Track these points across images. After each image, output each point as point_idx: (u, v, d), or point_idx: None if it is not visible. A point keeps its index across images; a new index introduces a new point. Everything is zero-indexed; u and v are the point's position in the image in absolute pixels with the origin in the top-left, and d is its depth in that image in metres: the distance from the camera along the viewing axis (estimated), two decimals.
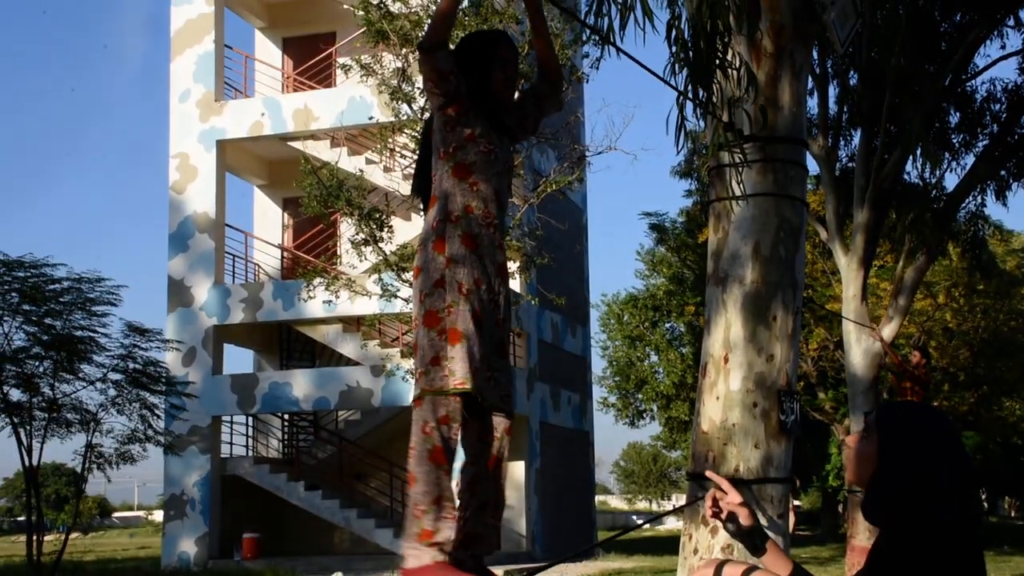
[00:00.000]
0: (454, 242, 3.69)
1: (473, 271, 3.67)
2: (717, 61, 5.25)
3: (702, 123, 5.82)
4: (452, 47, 3.86)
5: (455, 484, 3.71)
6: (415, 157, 19.67)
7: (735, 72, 5.39)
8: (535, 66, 4.22)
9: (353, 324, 23.61)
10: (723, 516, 2.88)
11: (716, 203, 5.36)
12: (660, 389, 34.52)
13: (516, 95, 4.08)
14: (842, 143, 16.01)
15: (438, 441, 3.55)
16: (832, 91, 15.48)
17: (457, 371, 3.58)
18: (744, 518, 2.83)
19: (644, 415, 36.71)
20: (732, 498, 2.86)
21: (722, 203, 5.32)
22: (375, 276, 18.55)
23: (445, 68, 3.74)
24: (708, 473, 3.05)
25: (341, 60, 20.37)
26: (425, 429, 3.58)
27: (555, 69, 4.06)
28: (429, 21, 4.00)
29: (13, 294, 15.70)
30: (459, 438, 3.60)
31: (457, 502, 3.66)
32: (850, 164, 15.76)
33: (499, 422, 3.75)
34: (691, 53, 5.22)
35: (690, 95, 5.22)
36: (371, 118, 21.06)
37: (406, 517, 3.61)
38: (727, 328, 5.12)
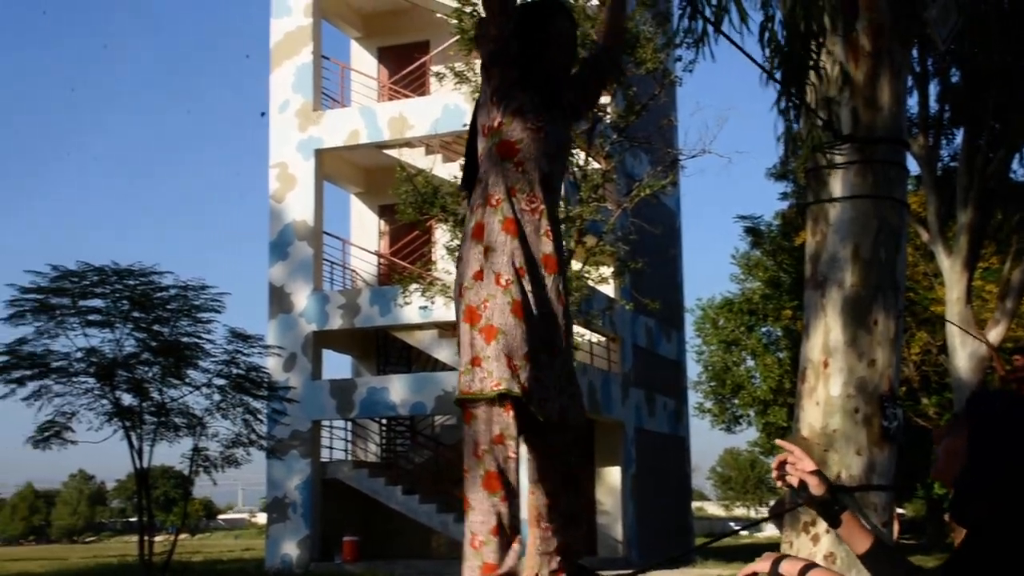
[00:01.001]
0: (493, 228, 3.31)
1: (514, 260, 3.28)
2: (812, 62, 5.20)
3: (798, 124, 5.76)
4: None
5: (526, 506, 3.42)
6: None
7: (831, 72, 5.33)
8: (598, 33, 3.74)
9: (449, 329, 23.80)
10: (794, 483, 2.66)
11: (813, 205, 5.31)
12: (757, 394, 34.07)
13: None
14: (943, 142, 15.64)
15: (492, 465, 3.22)
16: (933, 89, 15.14)
17: (494, 371, 3.19)
18: (815, 487, 2.58)
19: (741, 420, 36.29)
20: (804, 465, 2.62)
21: (819, 205, 5.26)
22: None
23: (508, 6, 3.35)
24: (778, 441, 2.84)
25: (435, 68, 20.59)
26: (477, 452, 3.24)
27: (622, 40, 3.76)
28: None
29: (124, 301, 16.19)
30: (517, 457, 3.23)
31: (537, 521, 3.40)
32: (952, 163, 15.40)
33: (562, 432, 3.37)
34: (786, 54, 5.18)
35: (787, 96, 5.18)
36: (465, 125, 21.20)
37: (464, 547, 3.28)
38: (826, 332, 5.06)
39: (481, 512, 3.23)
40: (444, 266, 21.48)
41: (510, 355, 3.19)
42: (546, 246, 3.37)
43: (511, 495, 3.24)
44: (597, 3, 18.03)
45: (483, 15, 3.40)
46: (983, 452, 2.18)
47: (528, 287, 3.30)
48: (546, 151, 3.40)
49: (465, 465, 3.30)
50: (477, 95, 15.68)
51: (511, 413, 3.20)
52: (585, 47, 16.33)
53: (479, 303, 3.26)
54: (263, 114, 24.89)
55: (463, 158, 3.69)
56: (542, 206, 3.37)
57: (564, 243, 15.17)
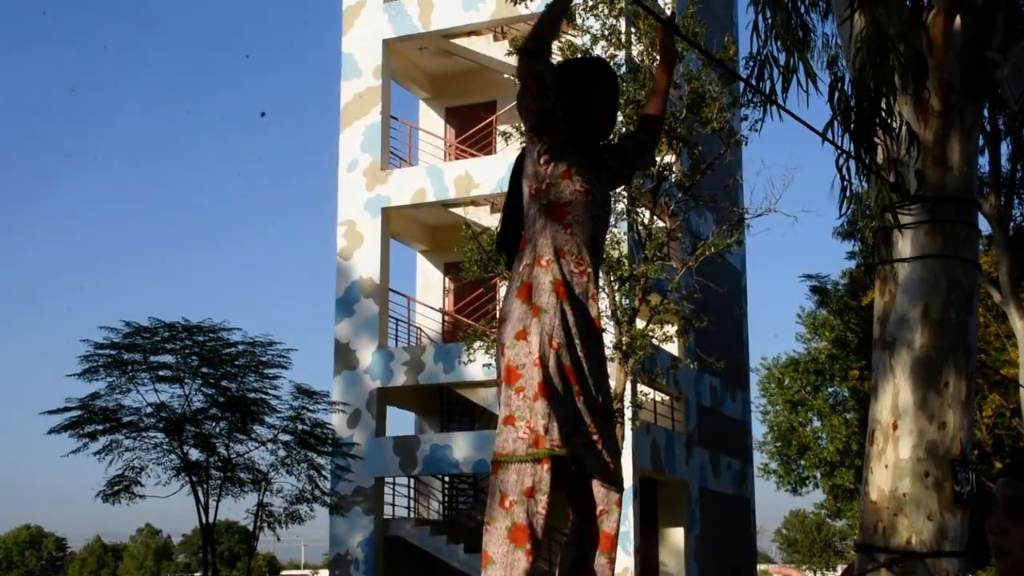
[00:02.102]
0: (543, 289, 3.24)
1: (564, 322, 3.22)
2: (881, 121, 5.19)
3: (866, 184, 5.74)
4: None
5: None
6: None
7: (900, 132, 5.31)
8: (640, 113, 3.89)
9: None
10: None
11: (882, 265, 5.26)
12: (823, 455, 33.47)
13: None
14: (1016, 201, 15.42)
15: (520, 517, 3.07)
16: (1004, 148, 14.97)
17: (540, 430, 3.11)
18: None
19: (807, 482, 35.63)
20: None
21: (888, 265, 5.22)
22: None
23: (546, 77, 3.30)
24: (772, 569, 2.57)
25: (501, 128, 20.80)
26: (504, 503, 3.10)
27: (661, 121, 3.75)
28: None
29: (194, 357, 16.47)
30: (548, 515, 3.09)
31: None
32: None
33: (606, 494, 3.27)
34: (854, 114, 5.18)
35: (853, 156, 5.17)
36: None
37: None
38: (895, 394, 4.99)
39: (503, 567, 3.06)
40: None
41: (559, 416, 3.12)
42: (593, 309, 3.34)
43: (537, 552, 3.09)
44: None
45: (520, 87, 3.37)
46: None
47: (580, 352, 3.24)
48: (593, 214, 3.37)
49: (487, 517, 3.15)
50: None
51: (546, 467, 3.10)
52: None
53: (521, 363, 3.19)
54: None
55: (502, 213, 3.63)
56: (589, 269, 3.34)
57: (629, 301, 15.05)
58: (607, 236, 4.05)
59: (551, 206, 3.32)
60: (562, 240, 3.30)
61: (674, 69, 3.76)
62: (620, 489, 3.30)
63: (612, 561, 3.27)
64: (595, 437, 3.21)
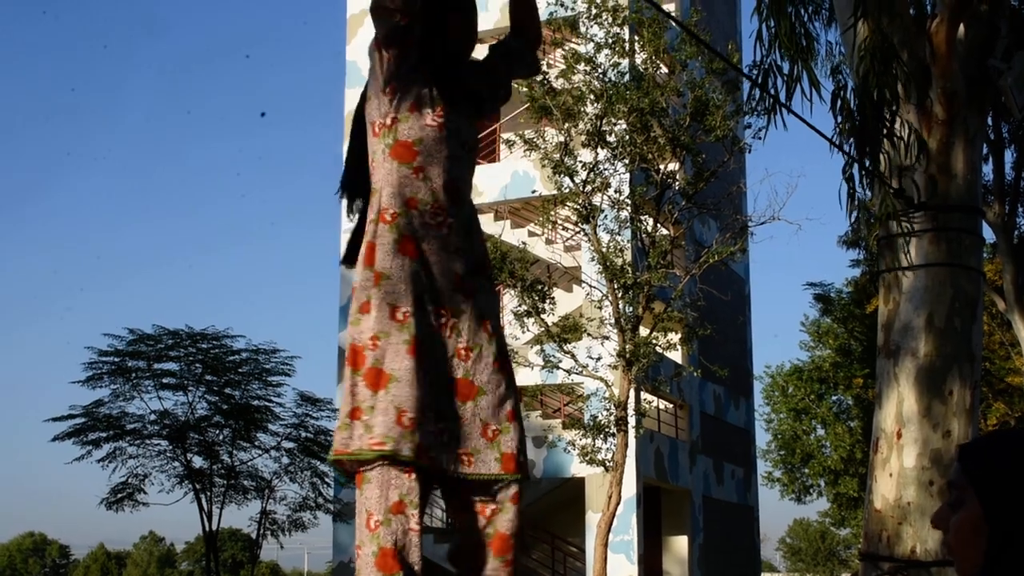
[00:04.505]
0: (387, 250, 2.69)
1: (412, 288, 2.66)
2: (885, 130, 5.19)
3: (870, 192, 5.74)
4: None
5: None
6: (577, 230, 19.84)
7: (904, 140, 5.31)
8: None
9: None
10: None
11: (886, 273, 5.26)
12: (827, 464, 33.42)
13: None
14: (1020, 210, 15.41)
15: (387, 541, 2.56)
16: (1009, 156, 14.96)
17: (376, 427, 2.55)
18: None
19: (811, 490, 35.57)
20: None
21: (892, 273, 5.21)
22: (537, 347, 18.70)
23: None
24: None
25: (505, 135, 20.84)
26: (370, 524, 2.58)
27: (537, 24, 3.09)
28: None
29: (197, 365, 16.51)
30: (421, 530, 2.60)
31: None
32: None
33: (495, 490, 2.73)
34: (858, 122, 5.18)
35: (857, 164, 5.17)
36: (534, 191, 21.40)
37: None
38: (900, 402, 4.99)
39: None
40: (511, 331, 21.55)
41: (401, 408, 2.56)
42: (458, 265, 2.76)
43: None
44: (667, 72, 18.18)
45: None
46: (1012, 513, 1.58)
47: (434, 321, 2.68)
48: (452, 152, 2.79)
49: (356, 540, 2.64)
50: (542, 160, 15.27)
51: (413, 476, 2.57)
52: (658, 113, 16.43)
53: (365, 342, 2.65)
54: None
55: (344, 159, 3.01)
56: (451, 219, 2.76)
57: (633, 309, 14.98)
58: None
59: (397, 147, 2.74)
60: (412, 187, 2.73)
61: None
62: (506, 479, 2.73)
63: (507, 564, 2.74)
64: (444, 425, 2.64)
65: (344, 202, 3.03)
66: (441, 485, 2.72)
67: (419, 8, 2.72)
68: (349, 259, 2.92)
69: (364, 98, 2.87)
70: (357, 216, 2.95)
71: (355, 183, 2.94)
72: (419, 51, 2.78)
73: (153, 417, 16.30)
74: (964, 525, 1.65)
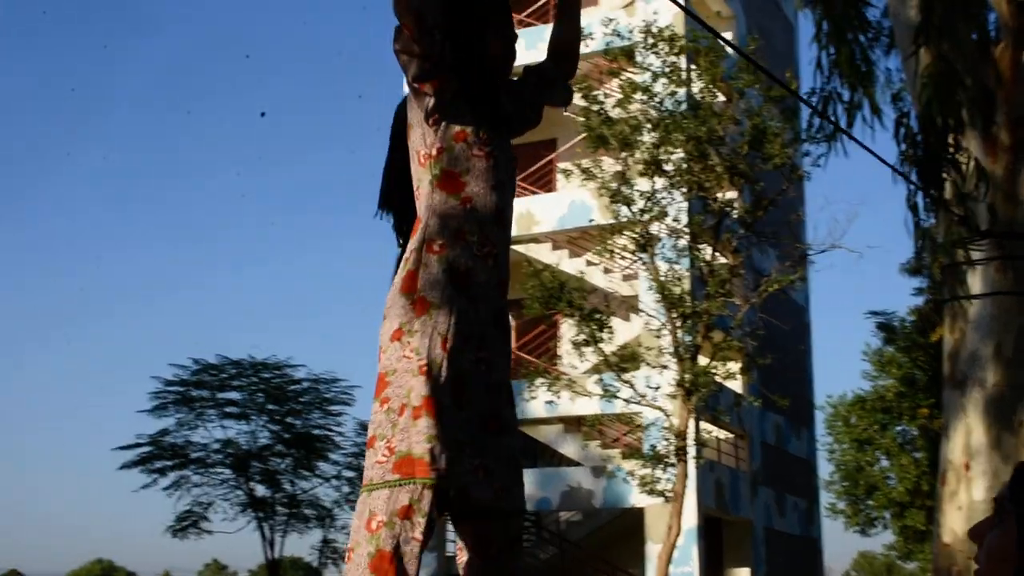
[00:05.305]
0: (433, 280, 2.62)
1: (459, 320, 2.60)
2: (948, 157, 5.15)
3: (934, 219, 5.68)
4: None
5: None
6: (635, 259, 19.86)
7: (967, 167, 5.26)
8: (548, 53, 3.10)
9: (574, 424, 23.71)
10: None
11: (951, 302, 5.20)
12: (892, 496, 32.84)
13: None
14: None
15: (387, 543, 2.42)
16: None
17: (441, 459, 2.47)
18: None
19: (876, 523, 34.96)
20: None
21: (958, 302, 5.15)
22: (595, 376, 18.65)
23: (428, 15, 2.63)
24: None
25: (562, 165, 20.90)
26: (370, 525, 2.45)
27: (575, 53, 3.06)
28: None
29: (260, 394, 16.70)
30: (424, 542, 2.47)
31: None
32: None
33: (506, 525, 2.64)
34: (921, 149, 5.14)
35: (921, 191, 5.13)
36: (591, 221, 21.41)
37: None
38: (968, 434, 4.91)
39: None
40: (570, 360, 21.51)
41: (443, 438, 2.48)
42: (498, 300, 2.75)
43: None
44: (724, 100, 18.14)
45: (399, 25, 2.67)
46: None
47: (473, 355, 2.61)
48: (498, 180, 2.73)
49: (351, 542, 2.51)
50: (600, 189, 15.27)
51: (429, 492, 2.48)
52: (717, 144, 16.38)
53: (390, 369, 2.58)
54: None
55: (383, 177, 2.94)
56: (495, 251, 2.71)
57: (692, 338, 14.95)
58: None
59: (444, 176, 2.67)
60: (460, 219, 2.66)
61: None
62: (516, 515, 2.65)
63: None
64: (486, 461, 2.57)
65: (387, 220, 2.95)
66: (457, 510, 2.60)
67: (442, 47, 2.64)
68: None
69: (401, 119, 2.81)
70: (401, 238, 2.89)
71: (398, 203, 2.87)
72: (458, 79, 2.70)
73: (217, 446, 16.51)
74: (998, 544, 1.63)
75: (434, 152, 2.68)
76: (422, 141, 2.70)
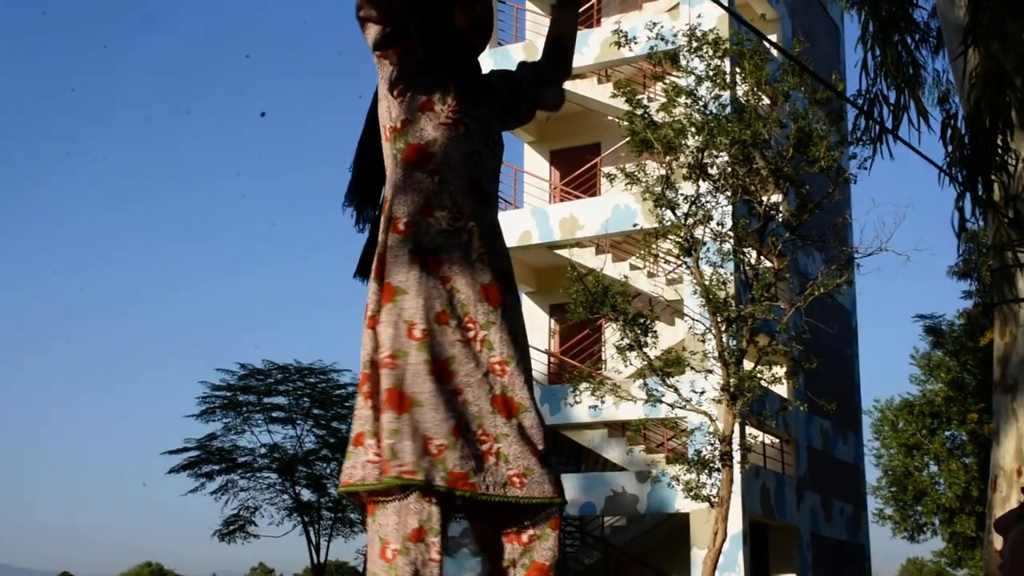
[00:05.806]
0: (399, 263, 2.46)
1: (431, 303, 2.43)
2: (997, 158, 5.10)
3: (983, 221, 5.62)
4: None
5: None
6: (679, 263, 19.81)
7: (1016, 168, 5.20)
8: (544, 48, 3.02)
9: (618, 429, 23.66)
10: None
11: (1001, 305, 5.14)
12: (941, 502, 32.44)
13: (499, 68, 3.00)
14: None
15: (406, 571, 2.34)
16: None
17: (403, 453, 2.33)
18: None
19: (924, 529, 34.56)
20: None
21: (1008, 305, 5.09)
22: (640, 381, 18.60)
23: None
24: None
25: (606, 169, 20.86)
26: (386, 554, 2.37)
27: (570, 52, 2.93)
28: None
29: (305, 399, 16.86)
30: (440, 559, 2.37)
31: None
32: None
33: (533, 515, 2.47)
34: (969, 151, 5.10)
35: (969, 193, 5.08)
36: (635, 225, 21.37)
37: None
38: (1019, 438, 4.86)
39: None
40: (614, 365, 21.47)
41: (427, 432, 2.34)
42: (483, 275, 2.51)
43: None
44: (769, 103, 18.03)
45: None
46: None
47: (456, 336, 2.44)
48: (470, 149, 2.56)
49: (369, 572, 2.43)
50: (643, 193, 15.36)
51: (433, 501, 2.35)
52: (754, 147, 16.31)
53: (365, 361, 2.44)
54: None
55: (353, 164, 2.77)
56: (471, 223, 2.53)
57: (737, 342, 14.88)
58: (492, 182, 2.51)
59: (410, 150, 2.52)
60: (428, 193, 2.50)
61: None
62: (555, 503, 2.47)
63: None
64: (490, 445, 2.41)
65: (351, 212, 2.76)
66: (469, 507, 2.47)
67: (400, 9, 2.50)
68: (363, 271, 2.67)
69: (375, 100, 2.67)
70: (369, 226, 2.73)
71: (365, 190, 2.72)
72: (422, 46, 2.57)
73: (263, 450, 16.67)
74: (1022, 540, 1.58)
75: (399, 124, 2.54)
76: (388, 115, 2.57)
